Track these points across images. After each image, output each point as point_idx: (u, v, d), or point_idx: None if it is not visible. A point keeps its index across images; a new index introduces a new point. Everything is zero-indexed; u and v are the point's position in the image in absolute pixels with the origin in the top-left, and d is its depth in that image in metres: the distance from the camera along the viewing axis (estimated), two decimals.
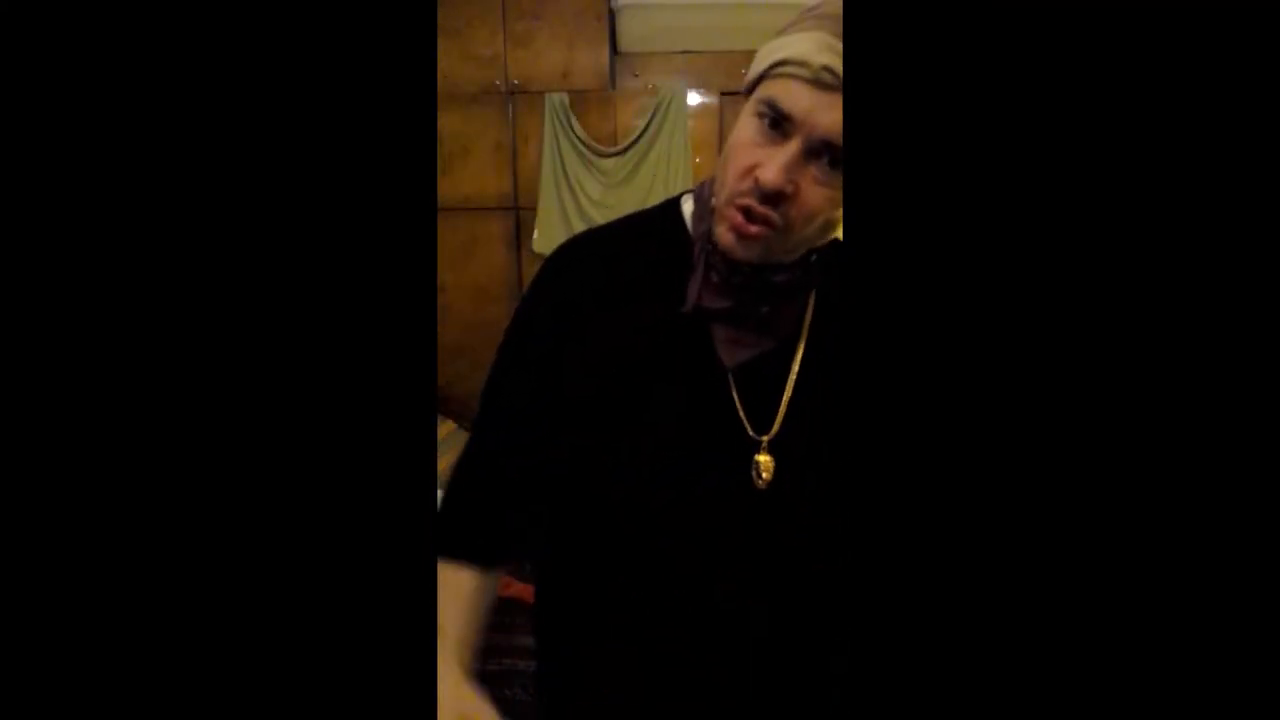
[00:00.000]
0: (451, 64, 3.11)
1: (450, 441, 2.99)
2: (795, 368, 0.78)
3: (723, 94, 3.09)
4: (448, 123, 3.12)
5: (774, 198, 0.68)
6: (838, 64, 0.64)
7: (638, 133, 3.10)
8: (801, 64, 0.65)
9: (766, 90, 0.68)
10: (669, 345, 0.77)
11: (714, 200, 0.73)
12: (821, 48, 0.65)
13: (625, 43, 3.17)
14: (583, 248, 0.84)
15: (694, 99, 3.10)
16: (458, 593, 0.81)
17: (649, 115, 3.08)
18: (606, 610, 0.79)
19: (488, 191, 3.18)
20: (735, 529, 0.76)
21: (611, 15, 3.14)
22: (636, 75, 3.17)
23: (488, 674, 2.14)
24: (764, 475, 0.76)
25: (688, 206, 0.82)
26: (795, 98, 0.66)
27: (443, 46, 3.07)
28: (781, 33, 0.69)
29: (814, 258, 0.77)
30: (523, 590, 2.64)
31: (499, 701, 2.27)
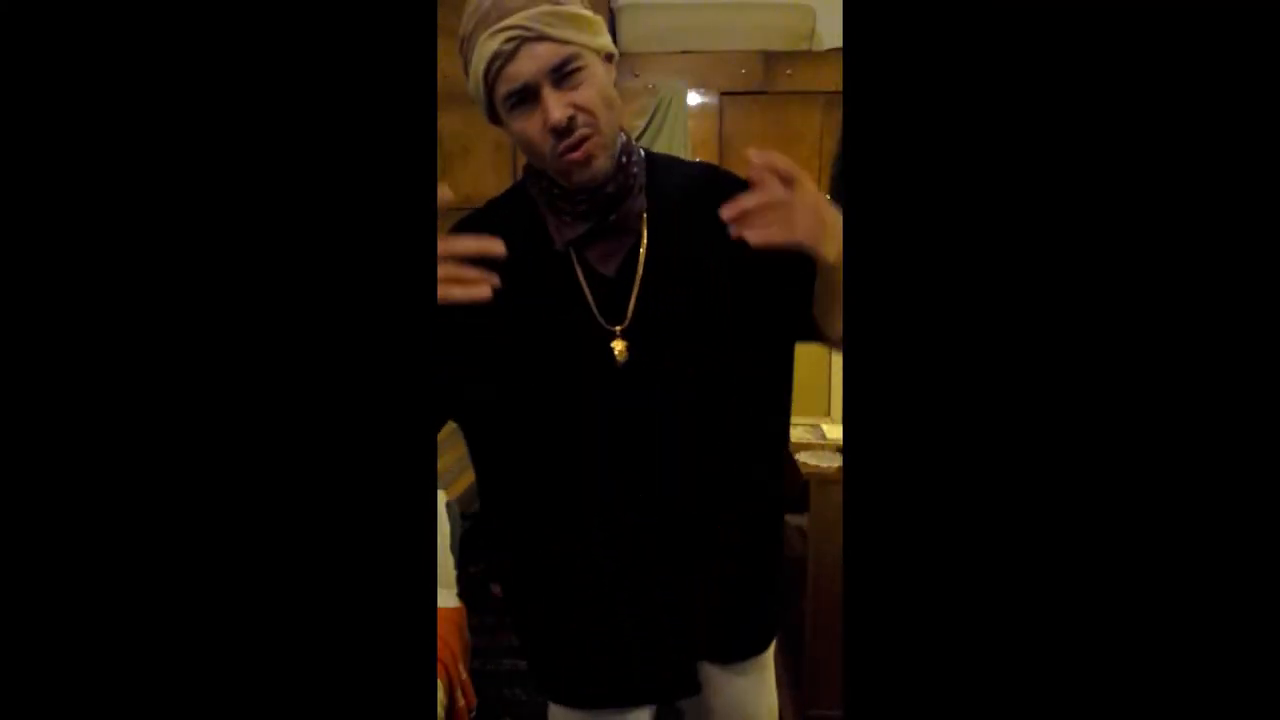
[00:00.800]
0: (451, 64, 3.09)
1: (450, 441, 2.97)
2: (640, 270, 0.96)
3: (723, 94, 3.09)
4: (447, 123, 3.11)
5: (570, 126, 0.86)
6: (505, 32, 0.83)
7: (637, 132, 3.09)
8: (495, 57, 0.84)
9: (500, 91, 0.86)
10: (539, 281, 0.95)
11: (540, 177, 0.93)
12: (489, 39, 0.84)
13: (625, 42, 3.17)
14: (460, 228, 1.02)
15: (694, 99, 3.10)
16: None
17: (649, 115, 3.08)
18: (519, 476, 0.99)
19: (487, 192, 3.15)
20: (603, 401, 0.95)
21: (611, 15, 3.14)
22: (636, 75, 3.16)
23: (485, 674, 2.14)
24: (619, 356, 0.94)
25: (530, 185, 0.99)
26: (516, 72, 0.84)
27: (443, 47, 3.04)
28: (470, 48, 0.87)
29: (623, 159, 0.94)
30: None
31: (497, 701, 2.27)
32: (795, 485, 2.03)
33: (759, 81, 3.09)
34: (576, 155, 0.88)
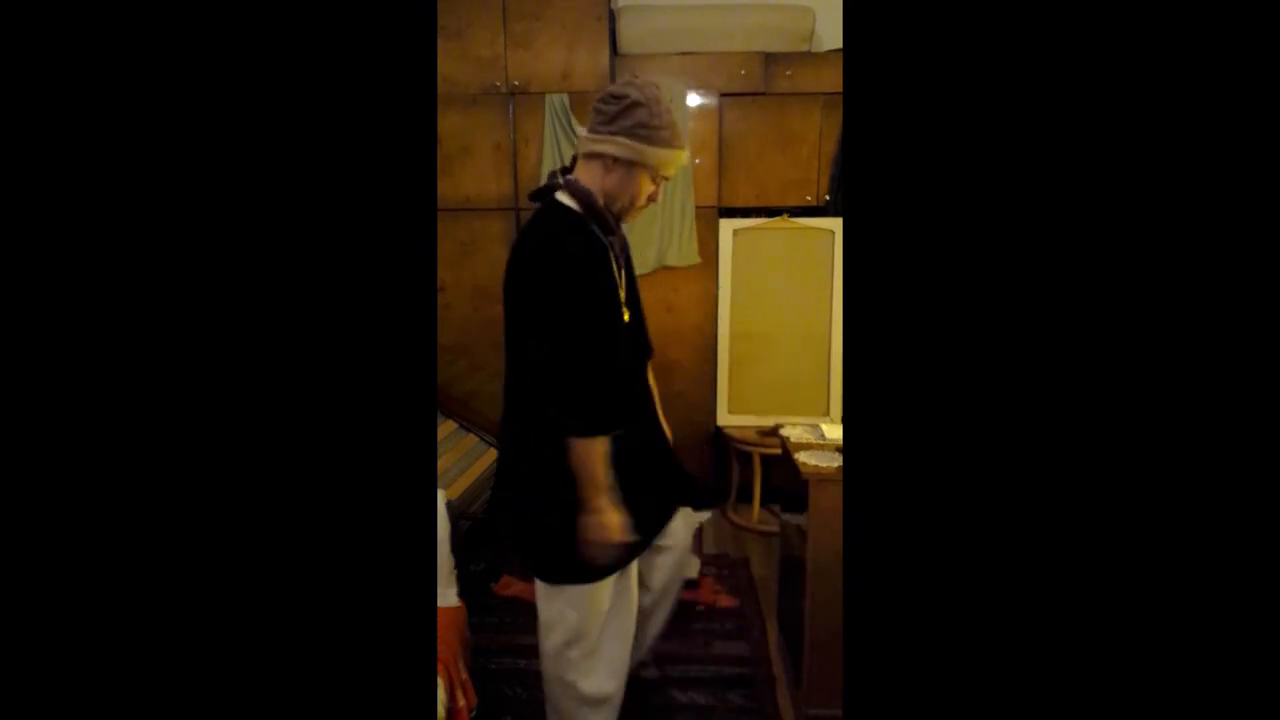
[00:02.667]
0: (451, 66, 3.11)
1: (450, 441, 2.98)
2: (623, 266, 1.66)
3: (722, 95, 3.09)
4: (448, 124, 3.12)
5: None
6: (683, 156, 1.59)
7: None
8: (673, 160, 1.55)
9: (660, 171, 1.56)
10: (603, 263, 1.56)
11: (619, 204, 1.58)
12: (682, 154, 1.56)
13: (625, 44, 3.18)
14: (561, 230, 1.54)
15: (694, 100, 3.10)
16: (603, 455, 1.51)
17: None
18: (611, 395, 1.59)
19: (488, 192, 3.18)
20: (633, 337, 1.69)
21: (611, 16, 3.14)
22: (636, 76, 3.16)
23: (488, 673, 2.14)
24: (626, 316, 1.63)
25: (565, 199, 1.56)
26: (670, 173, 1.58)
27: (443, 48, 3.07)
28: (651, 142, 1.50)
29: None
30: (522, 589, 2.64)
31: (499, 700, 2.25)
32: (795, 485, 2.03)
33: (758, 82, 3.09)
34: (644, 209, 1.65)
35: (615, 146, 1.48)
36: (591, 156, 1.53)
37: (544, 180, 1.62)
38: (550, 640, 1.66)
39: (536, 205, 1.60)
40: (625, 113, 1.48)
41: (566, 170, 1.60)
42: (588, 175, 1.55)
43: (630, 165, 1.50)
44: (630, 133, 1.48)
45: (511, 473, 1.65)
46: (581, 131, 3.11)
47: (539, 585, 1.65)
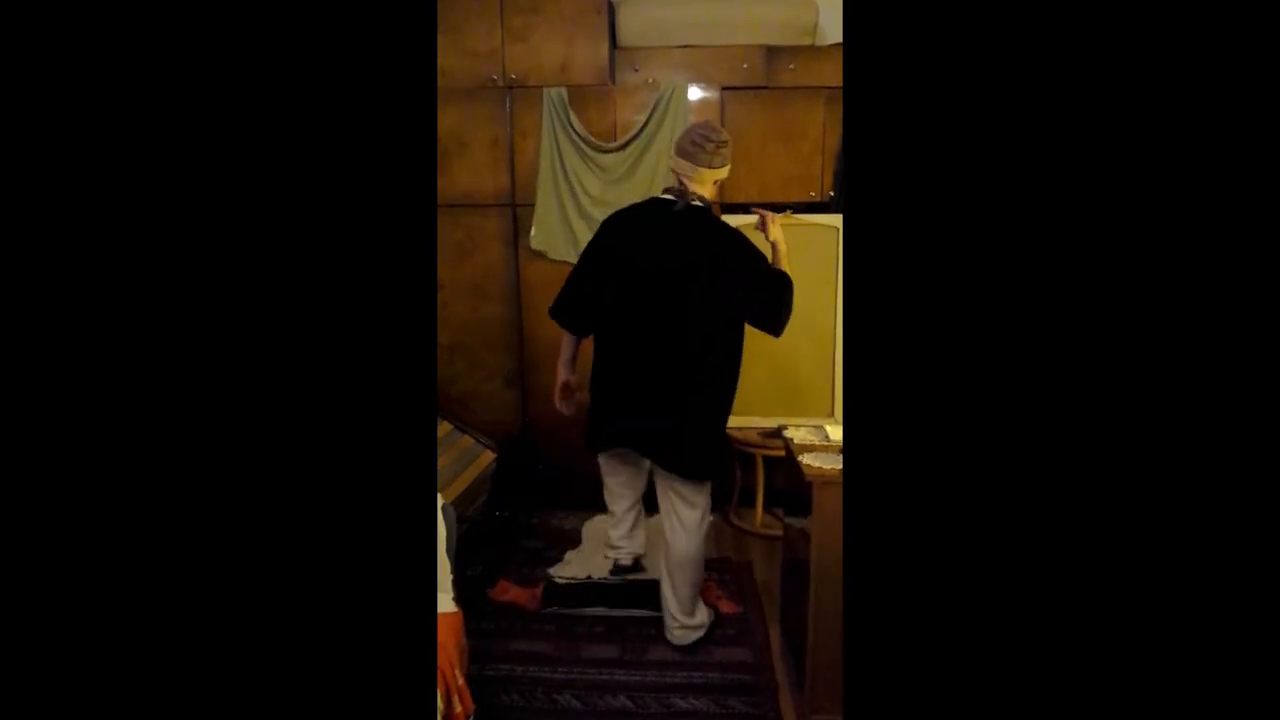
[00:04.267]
0: (449, 60, 3.07)
1: (447, 442, 2.95)
2: None
3: (724, 88, 3.06)
4: (445, 118, 3.08)
5: None
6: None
7: (637, 128, 3.06)
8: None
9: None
10: None
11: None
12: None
13: (625, 37, 3.14)
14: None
15: (695, 93, 3.07)
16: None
17: (649, 110, 3.05)
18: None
19: (485, 188, 3.15)
20: None
21: (611, 9, 3.11)
22: (636, 70, 3.13)
23: (485, 679, 2.11)
24: None
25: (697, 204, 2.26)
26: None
27: (440, 42, 3.03)
28: (730, 161, 2.28)
29: None
30: (519, 595, 2.61)
31: (496, 707, 2.23)
32: (799, 487, 2.00)
33: (760, 76, 3.06)
34: None
35: (725, 173, 2.22)
36: (706, 182, 2.20)
37: (663, 192, 2.24)
38: (695, 518, 2.28)
39: (656, 207, 2.22)
40: (721, 148, 2.17)
41: (673, 189, 2.21)
42: (703, 191, 2.21)
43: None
44: (726, 160, 2.20)
45: (674, 416, 2.20)
46: (580, 127, 3.09)
47: (689, 492, 2.26)
